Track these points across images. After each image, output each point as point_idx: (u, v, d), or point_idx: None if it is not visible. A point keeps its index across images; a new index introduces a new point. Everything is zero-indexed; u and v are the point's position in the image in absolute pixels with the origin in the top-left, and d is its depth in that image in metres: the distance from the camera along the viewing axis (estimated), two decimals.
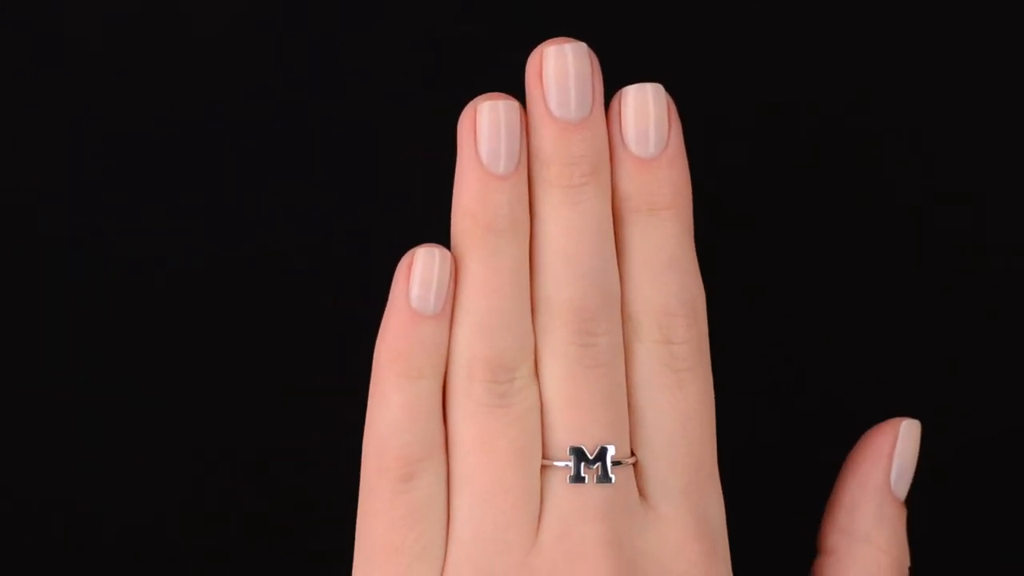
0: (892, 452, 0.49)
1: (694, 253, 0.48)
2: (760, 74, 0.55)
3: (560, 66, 0.47)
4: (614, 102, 0.48)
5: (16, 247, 0.54)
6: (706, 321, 0.48)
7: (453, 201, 0.47)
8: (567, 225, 0.47)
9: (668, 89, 0.48)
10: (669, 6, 0.55)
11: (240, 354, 0.54)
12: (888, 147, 0.55)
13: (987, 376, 0.55)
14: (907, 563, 0.49)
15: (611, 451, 0.46)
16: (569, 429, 0.47)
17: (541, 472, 0.47)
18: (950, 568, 0.55)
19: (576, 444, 0.46)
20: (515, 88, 0.47)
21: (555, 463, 0.46)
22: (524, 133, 0.47)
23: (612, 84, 0.48)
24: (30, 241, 0.54)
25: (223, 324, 0.54)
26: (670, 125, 0.47)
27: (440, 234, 0.48)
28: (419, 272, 0.47)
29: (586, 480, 0.46)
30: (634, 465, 0.47)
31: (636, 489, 0.47)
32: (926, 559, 0.51)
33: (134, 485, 0.55)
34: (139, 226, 0.54)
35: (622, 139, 0.47)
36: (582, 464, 0.46)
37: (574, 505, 0.46)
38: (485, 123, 0.47)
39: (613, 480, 0.46)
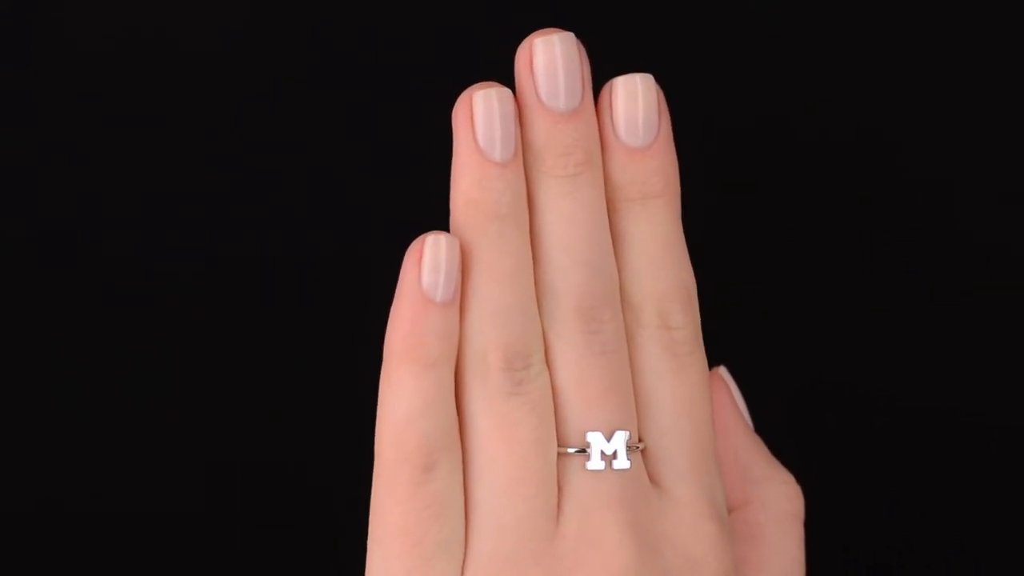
0: (732, 397, 0.52)
1: (684, 239, 0.49)
2: (749, 68, 0.56)
3: (549, 57, 0.47)
4: (604, 93, 0.48)
5: (17, 247, 0.52)
6: (698, 306, 0.48)
7: (451, 190, 0.47)
8: (566, 214, 0.47)
9: (656, 80, 0.48)
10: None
11: (241, 352, 0.53)
12: (875, 146, 0.57)
13: (985, 373, 0.57)
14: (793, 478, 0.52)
15: (626, 436, 0.46)
16: (583, 415, 0.46)
17: (557, 459, 0.46)
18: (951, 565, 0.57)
19: (592, 430, 0.46)
20: (508, 83, 0.47)
21: (571, 450, 0.46)
22: (518, 122, 0.47)
23: (599, 76, 0.48)
24: (31, 242, 0.52)
25: (222, 323, 0.53)
26: (660, 114, 0.48)
27: (438, 226, 0.47)
28: (429, 259, 0.46)
29: (603, 466, 0.46)
30: (641, 451, 0.47)
31: (647, 474, 0.47)
32: (927, 557, 0.52)
33: (135, 487, 0.53)
34: (141, 229, 0.53)
35: (613, 129, 0.48)
36: (600, 450, 0.46)
37: (593, 491, 0.46)
38: (481, 111, 0.46)
39: (630, 465, 0.46)
